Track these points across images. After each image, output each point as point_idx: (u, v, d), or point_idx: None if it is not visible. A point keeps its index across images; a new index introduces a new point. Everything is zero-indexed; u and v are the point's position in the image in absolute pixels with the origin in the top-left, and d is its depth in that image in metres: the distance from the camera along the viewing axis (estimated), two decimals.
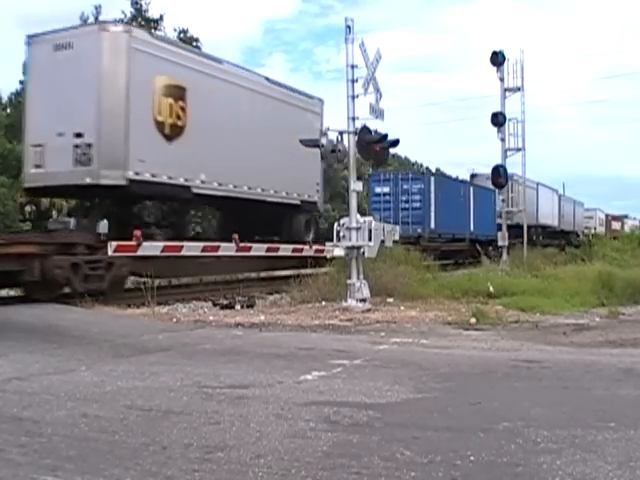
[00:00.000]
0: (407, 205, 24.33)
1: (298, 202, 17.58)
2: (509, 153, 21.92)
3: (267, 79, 16.95)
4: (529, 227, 26.74)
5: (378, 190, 25.20)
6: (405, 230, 22.60)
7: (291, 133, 16.20)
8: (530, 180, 29.07)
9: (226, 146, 14.70)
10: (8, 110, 39.58)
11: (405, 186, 24.51)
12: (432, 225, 24.36)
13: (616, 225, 55.73)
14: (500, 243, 21.50)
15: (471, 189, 29.15)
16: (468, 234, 27.63)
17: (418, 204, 24.14)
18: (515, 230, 27.01)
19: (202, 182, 14.14)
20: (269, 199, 16.32)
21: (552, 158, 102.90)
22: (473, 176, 32.63)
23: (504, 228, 21.65)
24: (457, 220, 26.35)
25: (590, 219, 51.04)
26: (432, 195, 24.53)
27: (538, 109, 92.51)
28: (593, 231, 49.00)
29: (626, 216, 60.14)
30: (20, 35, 54.72)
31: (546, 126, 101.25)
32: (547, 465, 3.35)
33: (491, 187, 30.08)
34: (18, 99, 39.52)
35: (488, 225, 29.37)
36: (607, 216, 56.04)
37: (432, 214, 24.45)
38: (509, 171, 27.60)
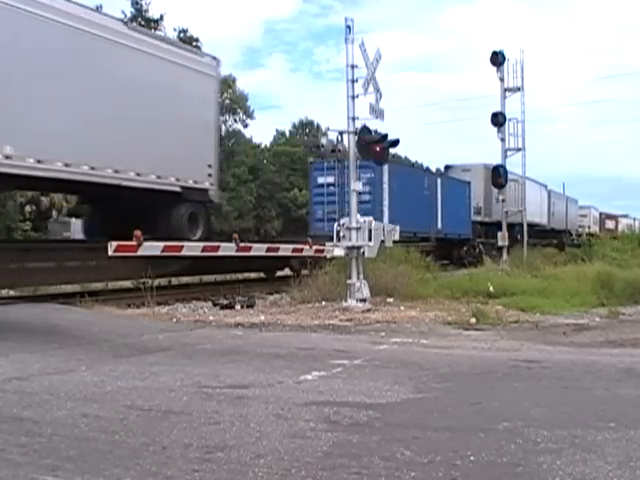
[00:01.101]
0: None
1: (177, 189, 13.75)
2: (509, 153, 21.93)
3: (126, 24, 13.80)
4: (512, 225, 24.30)
5: (321, 180, 21.19)
6: None
7: (167, 98, 13.20)
8: (514, 173, 26.47)
9: (52, 109, 11.03)
10: None
11: None
12: (385, 222, 20.69)
13: (610, 224, 53.68)
14: (500, 243, 21.49)
15: (438, 180, 25.37)
16: (434, 232, 24.22)
17: (367, 197, 19.97)
18: (495, 229, 25.02)
19: (6, 157, 10.42)
20: (126, 184, 12.43)
21: (552, 158, 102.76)
22: (447, 167, 29.97)
23: (504, 228, 21.63)
24: (420, 216, 22.57)
25: (584, 217, 48.38)
26: (385, 186, 20.93)
27: (538, 109, 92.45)
28: (587, 230, 46.66)
29: (626, 215, 59.07)
30: None
31: (546, 126, 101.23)
32: (547, 465, 3.35)
33: (465, 179, 27.16)
34: None
35: (461, 222, 26.11)
36: (601, 214, 53.50)
37: (385, 209, 20.70)
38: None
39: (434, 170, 40.01)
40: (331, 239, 16.51)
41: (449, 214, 24.93)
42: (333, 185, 20.15)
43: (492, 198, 26.45)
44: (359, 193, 19.44)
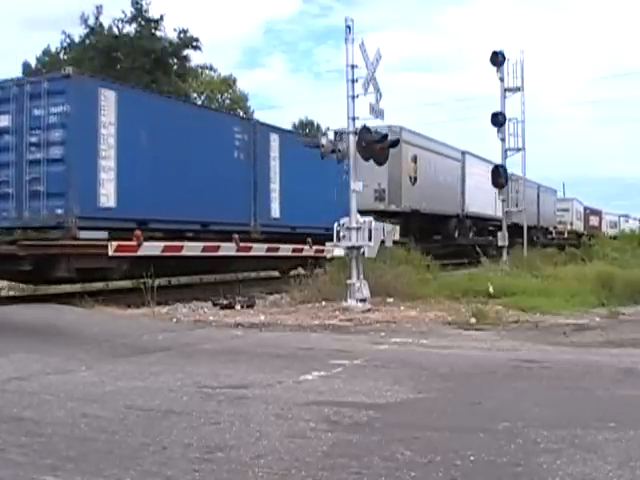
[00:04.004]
0: (39, 154, 10.92)
1: None
2: (509, 153, 21.88)
3: None
4: (448, 217, 18.96)
5: None
6: (33, 212, 10.98)
7: None
8: (450, 147, 20.15)
9: None
10: None
11: (38, 111, 10.97)
12: (100, 201, 11.09)
13: (594, 220, 48.13)
14: (500, 243, 21.41)
15: (272, 137, 15.15)
16: (261, 225, 14.83)
17: (57, 151, 10.87)
18: (427, 222, 19.13)
19: None
20: None
21: (552, 158, 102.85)
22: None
23: (504, 227, 21.58)
24: (216, 195, 13.22)
25: (566, 212, 41.37)
26: (106, 132, 11.16)
27: (538, 109, 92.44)
28: (569, 227, 40.92)
29: (626, 215, 57.11)
30: (23, 36, 54.68)
31: (546, 126, 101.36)
32: (547, 465, 3.35)
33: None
34: None
35: (331, 210, 14.73)
36: (586, 209, 46.77)
37: (102, 175, 11.08)
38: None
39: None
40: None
41: (302, 196, 15.35)
42: (7, 132, 11.29)
43: (402, 178, 19.06)
44: (47, 144, 10.63)
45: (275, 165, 15.36)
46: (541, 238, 28.57)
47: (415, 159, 20.17)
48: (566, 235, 39.18)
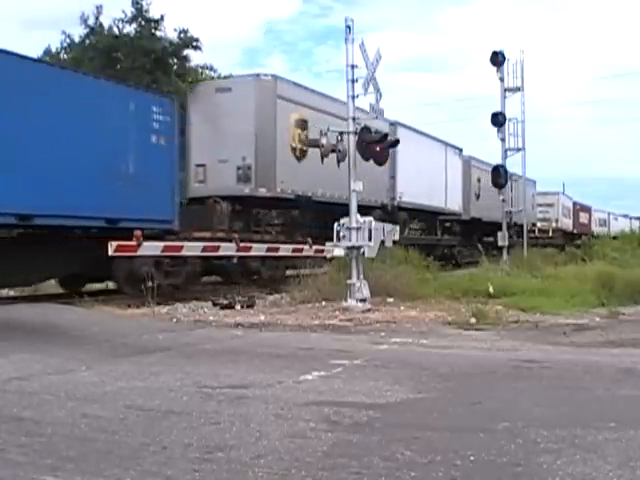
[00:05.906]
0: None
1: None
2: (509, 153, 21.85)
3: None
4: (368, 208, 14.13)
5: None
6: None
7: None
8: (382, 118, 13.58)
9: None
10: None
11: None
12: None
13: (584, 217, 44.29)
14: (500, 243, 21.37)
15: None
16: None
17: None
18: (329, 216, 12.58)
19: None
20: None
21: (552, 158, 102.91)
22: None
23: (504, 227, 21.55)
24: None
25: (550, 207, 36.76)
26: None
27: (538, 109, 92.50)
28: (554, 225, 36.64)
29: (626, 215, 55.14)
30: (23, 36, 54.58)
31: (546, 126, 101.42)
32: (547, 465, 3.35)
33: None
34: None
35: (110, 190, 10.81)
36: (575, 205, 42.19)
37: None
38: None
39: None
40: None
41: (54, 165, 10.08)
42: None
43: (277, 150, 13.53)
44: None
45: None
46: (514, 238, 23.04)
47: (304, 125, 14.07)
48: (551, 234, 35.61)
